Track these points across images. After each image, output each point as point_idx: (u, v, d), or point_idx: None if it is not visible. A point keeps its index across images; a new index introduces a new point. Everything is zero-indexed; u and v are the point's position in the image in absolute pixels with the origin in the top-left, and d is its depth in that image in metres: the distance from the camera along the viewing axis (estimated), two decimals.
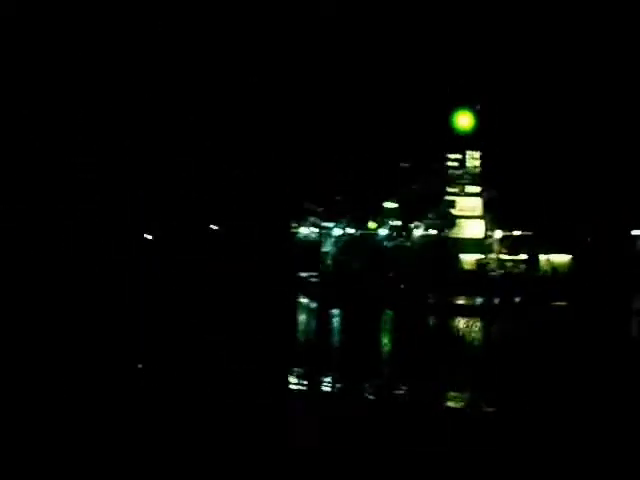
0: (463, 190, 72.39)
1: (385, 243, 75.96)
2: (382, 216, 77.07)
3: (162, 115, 61.91)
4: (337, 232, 79.09)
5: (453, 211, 72.48)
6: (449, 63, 69.96)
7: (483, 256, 69.65)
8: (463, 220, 71.71)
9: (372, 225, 79.26)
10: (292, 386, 22.52)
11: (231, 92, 65.04)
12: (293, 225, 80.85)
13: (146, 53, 60.23)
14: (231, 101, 65.81)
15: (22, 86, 56.29)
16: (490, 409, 19.89)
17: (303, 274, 73.48)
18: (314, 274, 73.05)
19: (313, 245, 78.94)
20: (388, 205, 77.08)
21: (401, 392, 21.91)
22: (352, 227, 78.74)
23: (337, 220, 78.24)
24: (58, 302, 38.91)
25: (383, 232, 76.89)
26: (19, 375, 20.68)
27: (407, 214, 75.88)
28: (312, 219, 80.00)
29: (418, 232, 74.37)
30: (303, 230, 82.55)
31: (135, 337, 29.85)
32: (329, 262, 77.31)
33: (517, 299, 57.94)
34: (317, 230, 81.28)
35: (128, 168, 60.76)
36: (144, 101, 60.87)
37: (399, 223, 76.56)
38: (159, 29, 60.52)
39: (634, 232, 69.95)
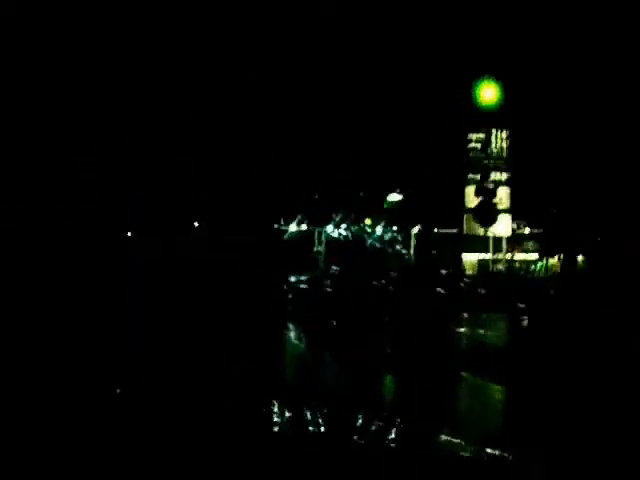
0: (487, 177, 60.33)
1: (386, 242, 64.38)
2: (384, 210, 65.49)
3: (162, 115, 60.94)
4: (329, 229, 68.00)
5: (475, 203, 60.46)
6: (469, 24, 57.95)
7: (511, 258, 58.05)
8: (487, 214, 59.77)
9: (369, 221, 67.46)
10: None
11: (230, 92, 62.48)
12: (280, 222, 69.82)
13: (146, 53, 59.24)
14: (228, 100, 63.08)
15: (22, 86, 56.72)
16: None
17: (292, 278, 61.69)
18: (303, 278, 61.04)
19: (302, 245, 69.20)
20: (393, 197, 65.40)
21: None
22: (347, 224, 67.24)
23: (330, 215, 66.88)
24: (58, 301, 38.62)
25: (383, 229, 65.52)
26: (17, 374, 20.45)
27: (416, 207, 63.85)
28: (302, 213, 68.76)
29: (429, 230, 62.41)
30: (292, 227, 71.25)
31: (134, 337, 29.40)
32: (321, 265, 66.15)
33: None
34: (307, 227, 69.95)
35: (128, 168, 60.80)
36: (144, 101, 59.96)
37: (405, 218, 64.77)
38: (159, 29, 58.83)
39: None
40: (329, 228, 69.12)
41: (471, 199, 61.00)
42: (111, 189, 59.78)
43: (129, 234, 65.53)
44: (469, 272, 59.20)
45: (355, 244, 66.30)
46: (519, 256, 59.23)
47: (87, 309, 37.95)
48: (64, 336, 27.85)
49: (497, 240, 59.71)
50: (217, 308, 41.56)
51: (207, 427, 15.97)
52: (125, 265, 55.57)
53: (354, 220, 67.55)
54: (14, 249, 53.12)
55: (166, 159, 62.29)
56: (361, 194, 64.63)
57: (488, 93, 59.93)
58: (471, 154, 60.71)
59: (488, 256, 59.59)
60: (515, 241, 59.90)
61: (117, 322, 33.32)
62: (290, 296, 52.32)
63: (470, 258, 60.19)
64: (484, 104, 59.92)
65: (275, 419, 17.68)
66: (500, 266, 58.87)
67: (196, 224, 68.79)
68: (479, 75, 59.98)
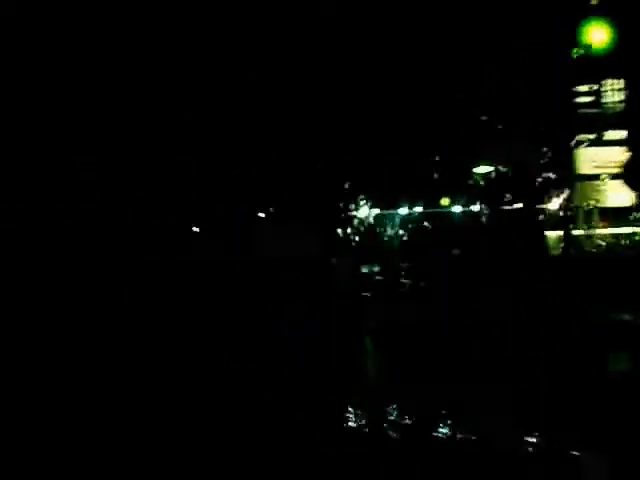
0: (600, 137, 50.95)
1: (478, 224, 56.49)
2: (469, 186, 57.66)
3: (162, 115, 60.67)
4: (404, 212, 61.68)
5: (586, 170, 51.14)
6: None
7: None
8: (602, 182, 50.57)
9: (446, 201, 60.22)
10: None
11: (232, 91, 61.28)
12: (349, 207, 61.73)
13: (146, 53, 59.29)
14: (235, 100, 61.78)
15: (22, 86, 56.74)
16: None
17: (364, 269, 54.37)
18: (378, 269, 53.53)
19: (374, 231, 61.51)
20: (480, 169, 57.32)
21: None
22: (422, 204, 60.40)
23: (404, 195, 60.16)
24: (58, 302, 39.86)
25: (464, 209, 57.90)
26: (18, 375, 21.51)
27: (510, 181, 55.40)
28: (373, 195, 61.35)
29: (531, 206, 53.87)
30: (362, 212, 63.76)
31: (135, 338, 29.33)
32: (394, 253, 59.13)
33: None
34: (379, 211, 63.76)
35: (128, 168, 60.54)
36: (144, 101, 60.06)
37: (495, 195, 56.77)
38: (159, 29, 58.92)
39: None
40: (403, 210, 62.29)
41: (582, 164, 52.05)
42: (111, 189, 59.00)
43: (195, 229, 63.66)
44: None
45: (435, 228, 59.18)
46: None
47: (87, 307, 38.73)
48: (65, 336, 28.08)
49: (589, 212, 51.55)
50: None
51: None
52: (126, 264, 54.25)
53: (430, 200, 60.49)
54: (14, 249, 53.34)
55: (167, 159, 61.07)
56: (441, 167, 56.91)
57: (599, 35, 51.09)
58: (580, 110, 51.41)
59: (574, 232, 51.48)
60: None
61: (121, 324, 33.55)
62: (367, 294, 44.92)
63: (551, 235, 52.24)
64: (595, 49, 51.08)
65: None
66: (594, 243, 50.53)
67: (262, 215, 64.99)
68: (587, 13, 51.09)
